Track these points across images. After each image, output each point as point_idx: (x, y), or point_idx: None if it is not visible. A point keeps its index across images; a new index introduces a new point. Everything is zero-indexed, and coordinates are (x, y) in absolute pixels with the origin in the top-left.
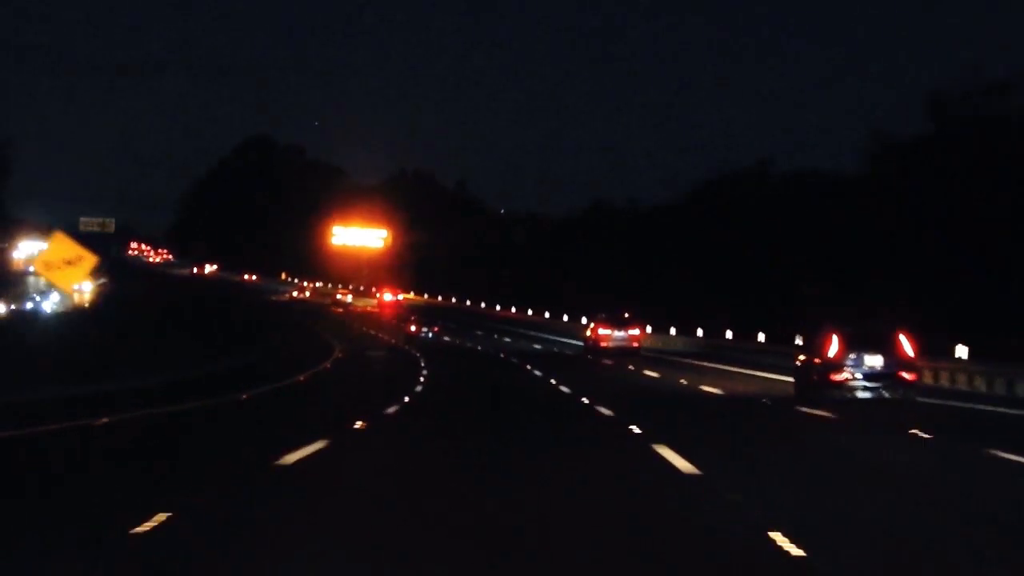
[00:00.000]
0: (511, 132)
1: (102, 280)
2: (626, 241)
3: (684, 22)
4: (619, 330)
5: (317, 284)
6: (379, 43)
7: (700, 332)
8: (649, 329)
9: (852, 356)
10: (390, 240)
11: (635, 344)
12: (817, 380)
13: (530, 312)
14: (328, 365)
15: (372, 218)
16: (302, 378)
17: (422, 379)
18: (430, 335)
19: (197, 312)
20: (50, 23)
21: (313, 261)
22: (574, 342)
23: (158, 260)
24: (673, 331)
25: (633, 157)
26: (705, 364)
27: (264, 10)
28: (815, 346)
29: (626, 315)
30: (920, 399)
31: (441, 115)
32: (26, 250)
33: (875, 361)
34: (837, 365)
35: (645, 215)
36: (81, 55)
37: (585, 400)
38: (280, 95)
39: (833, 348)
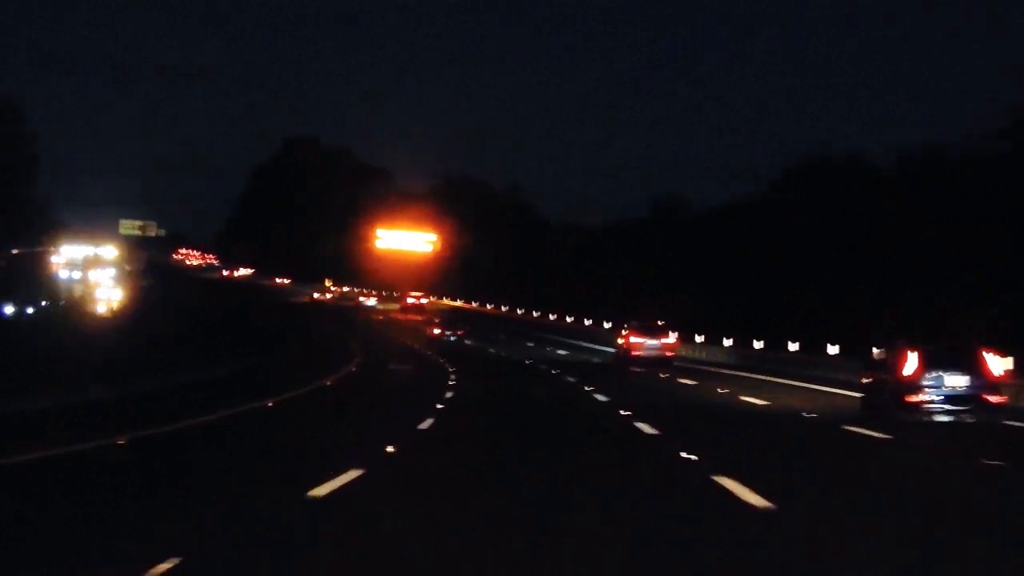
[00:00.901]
0: (568, 137)
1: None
2: (683, 245)
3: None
4: (651, 338)
5: (345, 288)
6: (435, 47)
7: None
8: (700, 338)
9: (931, 375)
10: (438, 245)
11: (668, 353)
12: (889, 401)
13: (587, 322)
14: (329, 381)
15: (420, 222)
16: (271, 403)
17: (439, 406)
18: (452, 338)
19: (203, 314)
20: (99, 30)
21: (356, 265)
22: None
23: (196, 264)
24: (707, 340)
25: (703, 154)
26: (780, 381)
27: (313, 14)
28: (888, 363)
29: (659, 323)
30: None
31: (496, 118)
32: (67, 254)
33: (957, 381)
34: (913, 385)
35: (711, 215)
36: (131, 63)
37: (692, 457)
38: (328, 100)
39: (909, 366)
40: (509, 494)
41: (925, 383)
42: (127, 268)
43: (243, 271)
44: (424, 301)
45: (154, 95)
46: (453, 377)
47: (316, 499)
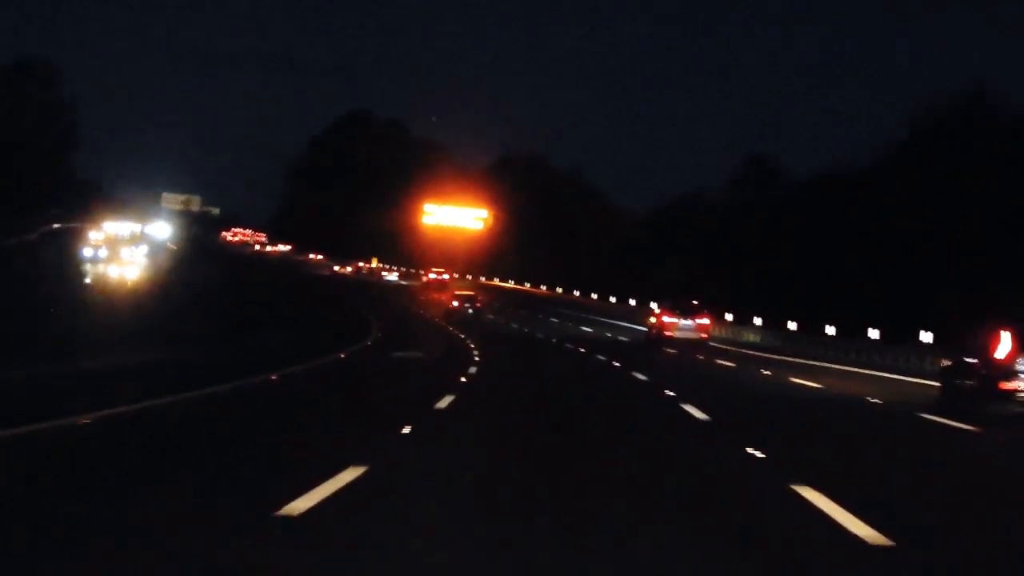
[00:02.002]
0: (639, 114)
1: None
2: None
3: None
4: (685, 318)
5: (373, 264)
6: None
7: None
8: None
9: None
10: (490, 221)
11: (703, 335)
12: (977, 387)
13: (652, 305)
14: (274, 377)
15: (472, 199)
16: (122, 409)
17: (424, 420)
18: (470, 311)
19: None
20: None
21: (402, 241)
22: (737, 349)
23: (235, 241)
24: (758, 322)
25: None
26: (869, 373)
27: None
28: (977, 346)
29: (694, 302)
30: None
31: (563, 96)
32: (109, 230)
33: None
34: (1008, 371)
35: (801, 187)
36: (197, 47)
37: None
38: (391, 77)
39: (1003, 349)
40: None
41: (1021, 368)
42: (170, 246)
43: (281, 247)
44: (446, 277)
45: (218, 76)
46: (471, 367)
47: None
